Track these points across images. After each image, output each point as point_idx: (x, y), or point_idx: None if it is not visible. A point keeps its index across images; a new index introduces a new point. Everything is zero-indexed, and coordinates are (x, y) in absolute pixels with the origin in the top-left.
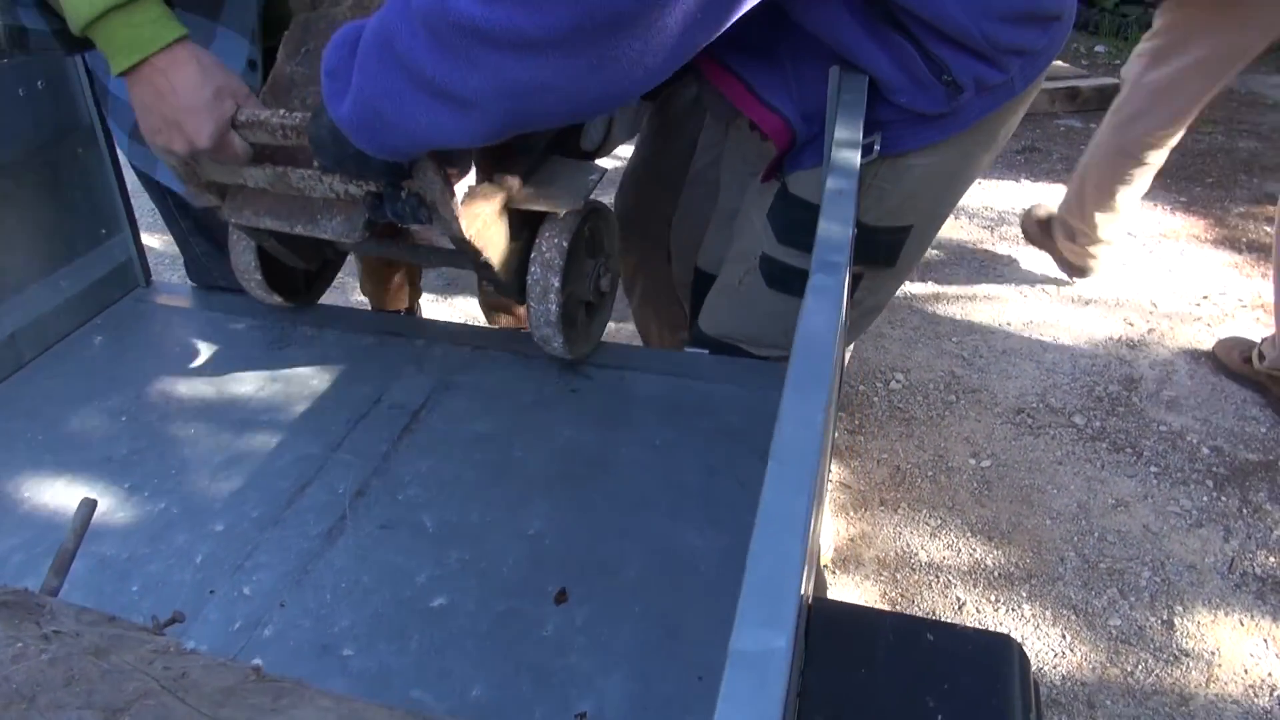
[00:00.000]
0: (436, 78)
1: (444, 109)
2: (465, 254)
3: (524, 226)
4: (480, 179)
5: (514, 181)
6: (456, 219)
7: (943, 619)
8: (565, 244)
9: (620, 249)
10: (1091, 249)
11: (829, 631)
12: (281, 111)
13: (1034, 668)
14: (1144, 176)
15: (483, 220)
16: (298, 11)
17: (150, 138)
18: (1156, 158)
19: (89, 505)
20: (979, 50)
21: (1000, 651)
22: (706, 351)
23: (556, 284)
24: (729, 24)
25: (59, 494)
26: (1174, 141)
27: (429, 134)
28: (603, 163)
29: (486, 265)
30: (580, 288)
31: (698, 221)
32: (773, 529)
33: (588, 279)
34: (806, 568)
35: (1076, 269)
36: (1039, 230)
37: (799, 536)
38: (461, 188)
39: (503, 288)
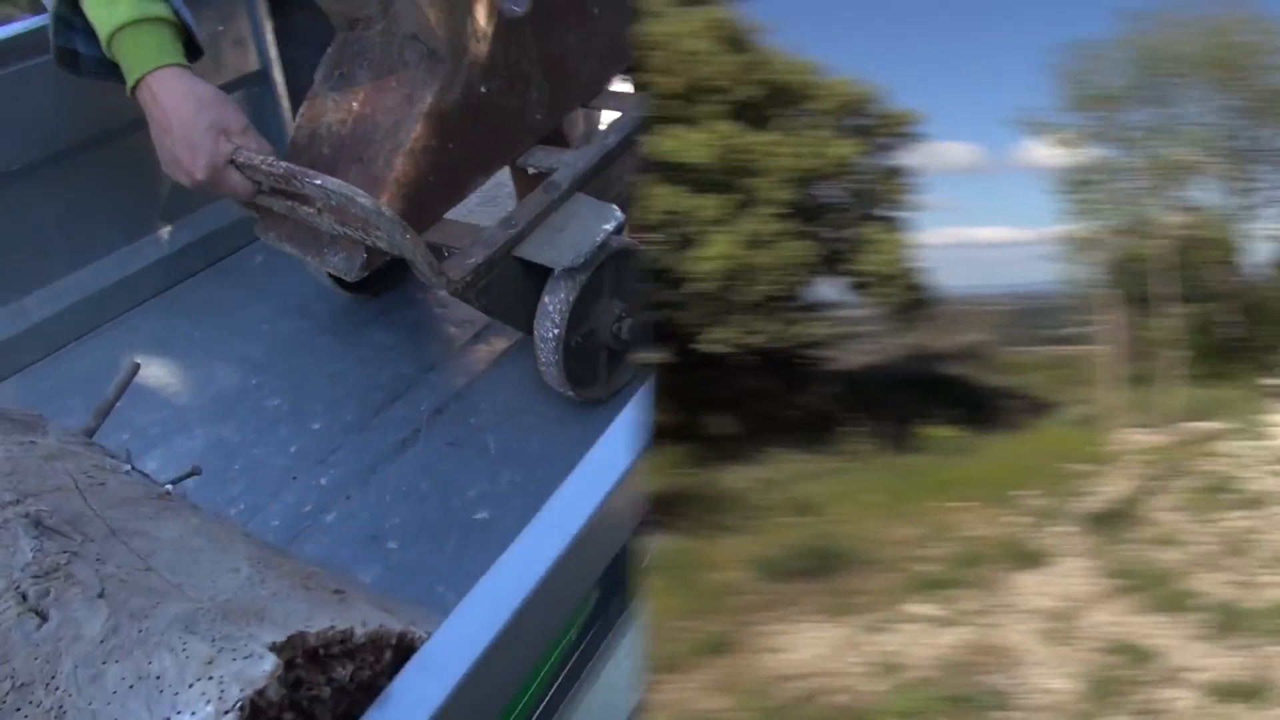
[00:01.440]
0: None
1: None
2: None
3: (534, 269)
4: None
5: (524, 224)
6: (441, 274)
7: None
8: (572, 295)
9: None
10: None
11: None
12: (270, 159)
13: None
14: None
15: (475, 274)
16: (339, 31)
17: (166, 170)
18: None
19: (134, 368)
20: None
21: None
22: None
23: (559, 333)
24: None
25: (201, 382)
26: None
27: None
28: None
29: (488, 310)
30: (597, 332)
31: None
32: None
33: (606, 323)
34: None
35: None
36: None
37: None
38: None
39: (512, 323)
